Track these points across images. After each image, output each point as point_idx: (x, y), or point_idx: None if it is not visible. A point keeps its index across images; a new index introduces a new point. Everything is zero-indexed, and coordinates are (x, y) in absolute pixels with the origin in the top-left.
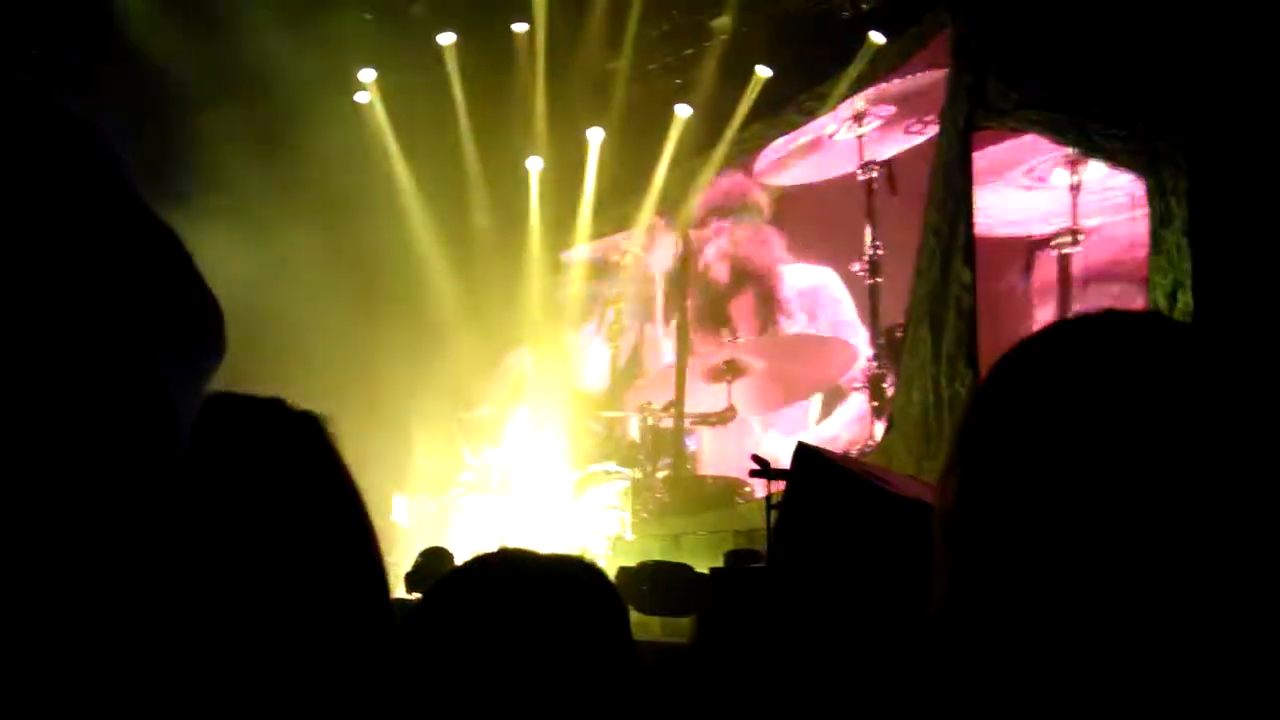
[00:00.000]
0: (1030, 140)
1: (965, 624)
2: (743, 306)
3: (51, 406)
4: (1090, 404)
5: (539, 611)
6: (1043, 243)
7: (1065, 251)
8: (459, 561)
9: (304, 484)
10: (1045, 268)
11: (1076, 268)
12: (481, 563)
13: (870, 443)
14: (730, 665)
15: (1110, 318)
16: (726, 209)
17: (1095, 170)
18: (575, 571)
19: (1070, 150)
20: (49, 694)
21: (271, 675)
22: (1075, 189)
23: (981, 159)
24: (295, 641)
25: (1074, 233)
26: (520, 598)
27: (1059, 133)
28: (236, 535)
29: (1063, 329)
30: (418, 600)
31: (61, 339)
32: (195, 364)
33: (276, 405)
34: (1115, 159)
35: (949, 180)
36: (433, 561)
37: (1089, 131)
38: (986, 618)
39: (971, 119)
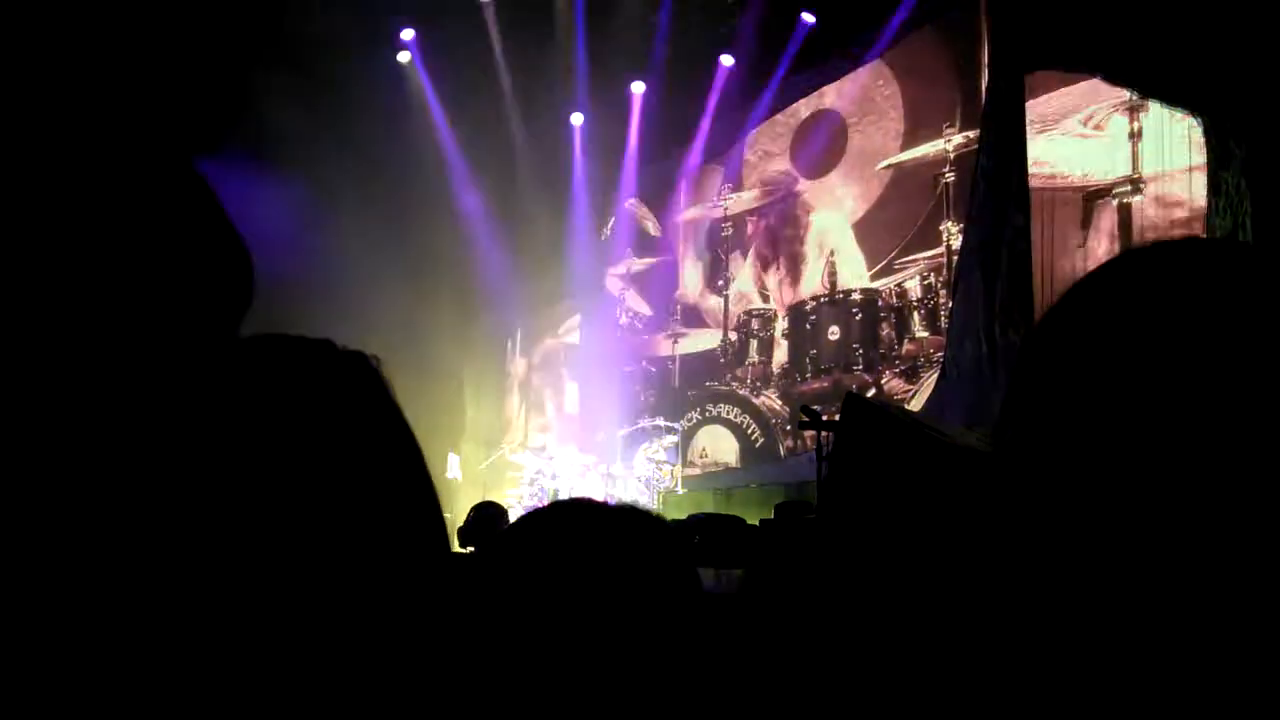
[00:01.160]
0: (1087, 86)
1: (1026, 576)
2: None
3: (103, 348)
4: (1178, 337)
5: (615, 546)
6: (1102, 192)
7: (1126, 201)
8: (512, 517)
9: (357, 417)
10: (1104, 218)
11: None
12: (555, 507)
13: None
14: (780, 616)
15: (1193, 244)
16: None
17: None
18: (639, 514)
19: (1128, 95)
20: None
21: (334, 616)
22: (1135, 136)
23: (1036, 106)
24: (357, 581)
25: (1134, 181)
26: (596, 533)
27: (1113, 74)
28: (292, 468)
29: (1139, 255)
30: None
31: (106, 280)
32: (229, 304)
33: (326, 345)
34: (1171, 98)
35: (1000, 124)
36: (485, 516)
37: (1144, 71)
38: (1048, 570)
39: (1023, 61)
